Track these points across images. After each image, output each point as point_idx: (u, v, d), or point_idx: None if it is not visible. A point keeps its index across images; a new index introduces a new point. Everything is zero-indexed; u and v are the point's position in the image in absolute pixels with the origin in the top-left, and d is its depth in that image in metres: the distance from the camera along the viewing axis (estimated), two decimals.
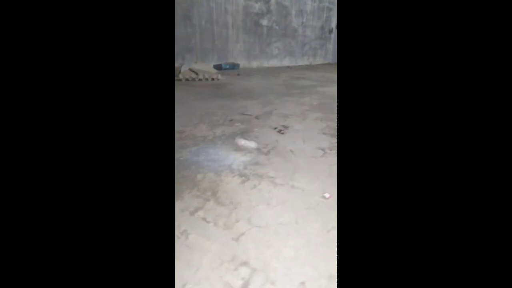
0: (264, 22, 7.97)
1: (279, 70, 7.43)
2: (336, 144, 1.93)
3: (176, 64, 6.09)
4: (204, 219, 1.10)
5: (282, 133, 2.15)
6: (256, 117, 2.61)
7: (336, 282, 0.81)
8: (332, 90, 4.19)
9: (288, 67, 8.39)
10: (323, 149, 1.84)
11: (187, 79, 4.99)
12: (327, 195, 1.27)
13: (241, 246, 0.95)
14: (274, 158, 1.69)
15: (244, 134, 2.12)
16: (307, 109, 2.97)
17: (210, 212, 1.14)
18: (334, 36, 9.76)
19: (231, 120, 2.50)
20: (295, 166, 1.59)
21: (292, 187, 1.36)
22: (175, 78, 5.11)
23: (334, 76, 6.08)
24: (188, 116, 2.58)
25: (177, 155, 1.70)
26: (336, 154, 1.77)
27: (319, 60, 9.67)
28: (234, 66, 7.36)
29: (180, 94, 3.64)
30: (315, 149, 1.85)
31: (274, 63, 8.51)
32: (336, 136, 2.08)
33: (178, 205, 1.18)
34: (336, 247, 0.92)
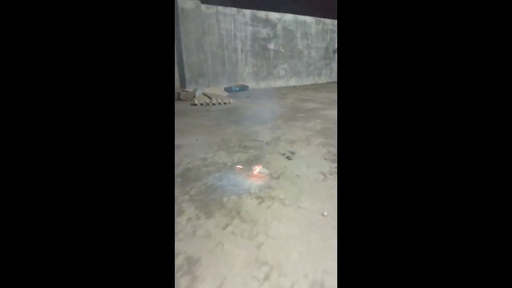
0: (271, 46, 8.49)
1: (286, 90, 7.87)
2: (335, 169, 2.31)
3: (191, 89, 6.59)
4: (233, 232, 1.49)
5: (290, 159, 2.54)
6: (267, 143, 3.01)
7: (328, 275, 1.18)
8: (334, 113, 4.59)
9: (294, 87, 8.83)
10: (324, 174, 2.23)
11: (201, 104, 5.46)
12: (325, 213, 1.64)
13: (262, 252, 1.33)
14: (283, 182, 2.08)
15: (258, 160, 2.52)
16: (311, 134, 3.37)
17: (237, 227, 1.53)
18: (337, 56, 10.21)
19: (245, 146, 2.91)
20: (300, 189, 1.98)
21: (298, 207, 1.74)
22: (191, 103, 5.59)
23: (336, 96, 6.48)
24: (208, 143, 3.01)
25: (204, 181, 2.10)
26: (334, 179, 2.14)
27: (324, 79, 10.12)
28: (243, 88, 7.82)
29: (199, 121, 4.08)
30: (317, 173, 2.24)
31: (280, 83, 8.98)
32: (335, 161, 2.46)
33: (212, 222, 1.57)
34: (330, 252, 1.31)
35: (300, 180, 2.13)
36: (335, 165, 2.40)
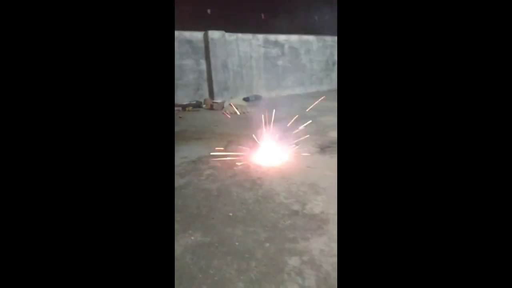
0: (280, 62, 10.38)
1: (292, 99, 9.71)
2: (317, 149, 4.16)
3: (220, 100, 8.51)
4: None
5: (297, 145, 4.40)
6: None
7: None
8: (328, 119, 6.43)
9: (298, 95, 10.68)
10: (311, 152, 4.07)
11: (231, 113, 7.35)
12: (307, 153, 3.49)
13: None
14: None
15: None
16: (309, 134, 5.22)
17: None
18: (336, 67, 12.02)
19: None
20: (299, 161, 3.82)
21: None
22: (222, 111, 7.49)
23: (333, 104, 8.30)
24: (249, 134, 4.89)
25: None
26: (316, 152, 3.98)
27: (325, 87, 11.95)
28: (257, 98, 9.71)
29: (239, 123, 5.99)
30: (307, 152, 4.09)
31: (288, 92, 10.85)
32: (320, 146, 4.30)
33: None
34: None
35: (299, 154, 3.99)
36: (319, 148, 4.26)
